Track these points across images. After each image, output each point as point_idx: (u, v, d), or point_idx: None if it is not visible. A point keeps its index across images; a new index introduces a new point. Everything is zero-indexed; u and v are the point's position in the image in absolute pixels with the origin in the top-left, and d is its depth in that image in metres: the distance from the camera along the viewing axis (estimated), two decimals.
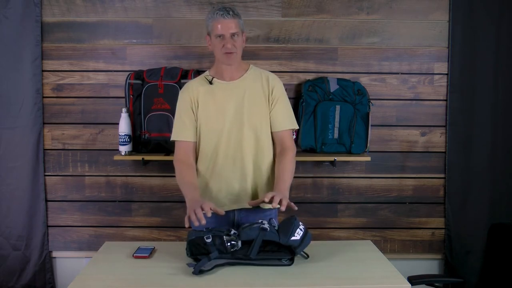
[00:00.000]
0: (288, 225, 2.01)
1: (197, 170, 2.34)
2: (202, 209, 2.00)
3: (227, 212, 2.24)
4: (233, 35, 2.23)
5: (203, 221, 1.99)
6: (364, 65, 3.17)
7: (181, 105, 2.34)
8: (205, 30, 2.31)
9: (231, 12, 2.23)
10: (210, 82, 2.31)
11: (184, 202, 3.10)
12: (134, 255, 2.13)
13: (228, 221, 2.30)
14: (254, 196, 2.32)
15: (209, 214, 2.01)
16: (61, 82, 3.14)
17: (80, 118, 3.16)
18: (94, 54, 3.13)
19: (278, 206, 2.06)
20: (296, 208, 2.07)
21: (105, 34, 3.13)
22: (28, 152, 3.12)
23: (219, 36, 2.23)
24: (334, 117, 3.03)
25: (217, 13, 2.22)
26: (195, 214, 1.99)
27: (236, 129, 2.28)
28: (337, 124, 3.04)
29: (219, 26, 2.21)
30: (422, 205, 3.26)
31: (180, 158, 2.31)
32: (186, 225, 2.02)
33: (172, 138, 2.36)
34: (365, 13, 3.15)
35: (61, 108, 3.16)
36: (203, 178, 2.33)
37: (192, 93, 2.32)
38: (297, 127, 2.41)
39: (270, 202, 2.06)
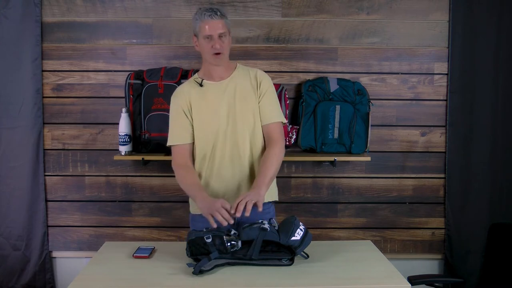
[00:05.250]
0: (288, 225, 2.01)
1: (196, 171, 2.34)
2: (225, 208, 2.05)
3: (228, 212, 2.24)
4: (221, 35, 2.24)
5: (231, 221, 2.04)
6: (364, 65, 3.17)
7: (174, 110, 2.35)
8: (192, 31, 2.32)
9: (218, 13, 2.24)
10: (201, 84, 2.32)
11: (183, 202, 3.13)
12: (134, 255, 2.13)
13: None
14: None
15: (233, 211, 2.05)
16: (61, 82, 3.14)
17: (80, 118, 3.16)
18: (94, 54, 3.13)
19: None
20: (260, 209, 2.09)
21: (105, 34, 3.13)
22: (28, 152, 3.12)
23: (207, 37, 2.24)
24: (334, 117, 3.03)
25: (204, 14, 2.24)
26: (221, 215, 2.03)
27: (231, 127, 2.30)
28: (337, 124, 3.04)
29: (206, 27, 2.22)
30: (422, 205, 3.26)
31: (179, 162, 2.32)
32: (214, 226, 2.06)
33: (168, 144, 2.37)
34: (365, 13, 3.15)
35: (61, 108, 3.16)
36: (203, 178, 2.34)
37: (184, 96, 2.33)
38: (284, 120, 2.42)
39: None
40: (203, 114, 2.31)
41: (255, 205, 2.08)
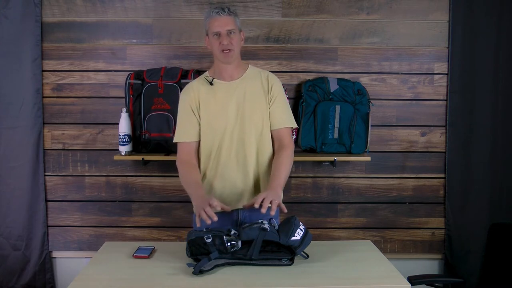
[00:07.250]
0: (288, 225, 2.01)
1: (200, 171, 2.34)
2: (210, 206, 2.03)
3: (231, 210, 2.24)
4: (229, 32, 2.24)
5: (215, 218, 2.01)
6: (364, 65, 3.17)
7: (182, 107, 2.34)
8: (204, 31, 2.33)
9: (226, 10, 2.25)
10: (211, 83, 2.31)
11: (183, 202, 3.14)
12: (134, 255, 2.13)
13: (231, 220, 2.30)
14: (257, 193, 2.31)
15: (219, 208, 2.04)
16: (61, 82, 3.14)
17: (80, 118, 3.16)
18: (94, 54, 3.13)
19: (269, 205, 2.06)
20: (285, 210, 2.07)
21: (105, 34, 3.13)
22: (28, 152, 3.12)
23: (216, 34, 2.24)
24: (334, 117, 3.03)
25: (213, 11, 2.26)
26: (205, 213, 2.01)
27: (238, 127, 2.29)
28: (337, 124, 3.03)
29: (215, 23, 2.23)
30: (422, 205, 3.26)
31: (183, 158, 2.32)
32: (198, 225, 2.05)
33: (174, 140, 2.37)
34: (365, 13, 3.15)
35: (61, 108, 3.16)
36: (207, 178, 2.33)
37: (193, 93, 2.32)
38: (295, 125, 2.40)
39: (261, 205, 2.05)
40: (211, 111, 2.30)
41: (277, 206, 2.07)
